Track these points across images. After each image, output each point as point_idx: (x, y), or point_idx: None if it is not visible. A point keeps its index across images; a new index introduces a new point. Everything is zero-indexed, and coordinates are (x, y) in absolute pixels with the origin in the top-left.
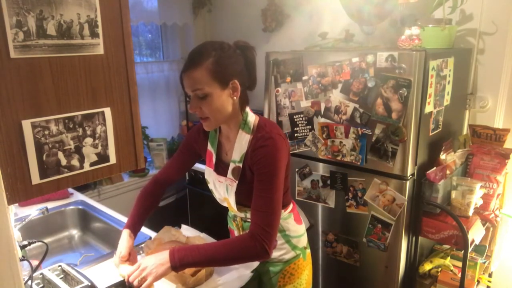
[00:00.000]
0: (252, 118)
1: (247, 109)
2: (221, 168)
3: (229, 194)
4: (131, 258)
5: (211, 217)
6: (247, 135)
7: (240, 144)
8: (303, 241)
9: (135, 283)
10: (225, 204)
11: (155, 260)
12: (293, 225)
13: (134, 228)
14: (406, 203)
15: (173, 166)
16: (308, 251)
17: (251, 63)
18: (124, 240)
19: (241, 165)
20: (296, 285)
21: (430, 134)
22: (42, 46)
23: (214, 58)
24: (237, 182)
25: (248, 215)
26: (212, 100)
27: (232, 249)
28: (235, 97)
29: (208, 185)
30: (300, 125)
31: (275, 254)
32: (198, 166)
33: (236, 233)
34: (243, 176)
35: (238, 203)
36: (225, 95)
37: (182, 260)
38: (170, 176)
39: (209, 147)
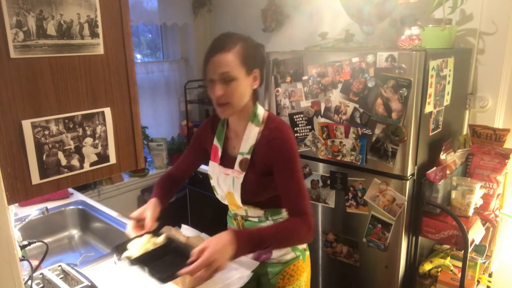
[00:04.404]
0: (261, 111)
1: (257, 102)
2: (227, 162)
3: (235, 187)
4: (145, 227)
5: (211, 217)
6: (256, 127)
7: (249, 136)
8: None
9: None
10: (226, 202)
11: (220, 246)
12: None
13: (162, 201)
14: (406, 203)
15: (184, 162)
16: (308, 253)
17: (264, 59)
18: (151, 205)
19: (249, 156)
20: (295, 287)
21: (430, 134)
22: (42, 46)
23: (243, 45)
24: (244, 173)
25: (249, 213)
26: (237, 84)
27: (290, 233)
28: (254, 86)
29: (211, 181)
30: (300, 125)
31: (274, 254)
32: None
33: None
34: (250, 168)
35: (242, 198)
36: (248, 82)
37: (246, 248)
38: (183, 171)
39: (215, 141)
